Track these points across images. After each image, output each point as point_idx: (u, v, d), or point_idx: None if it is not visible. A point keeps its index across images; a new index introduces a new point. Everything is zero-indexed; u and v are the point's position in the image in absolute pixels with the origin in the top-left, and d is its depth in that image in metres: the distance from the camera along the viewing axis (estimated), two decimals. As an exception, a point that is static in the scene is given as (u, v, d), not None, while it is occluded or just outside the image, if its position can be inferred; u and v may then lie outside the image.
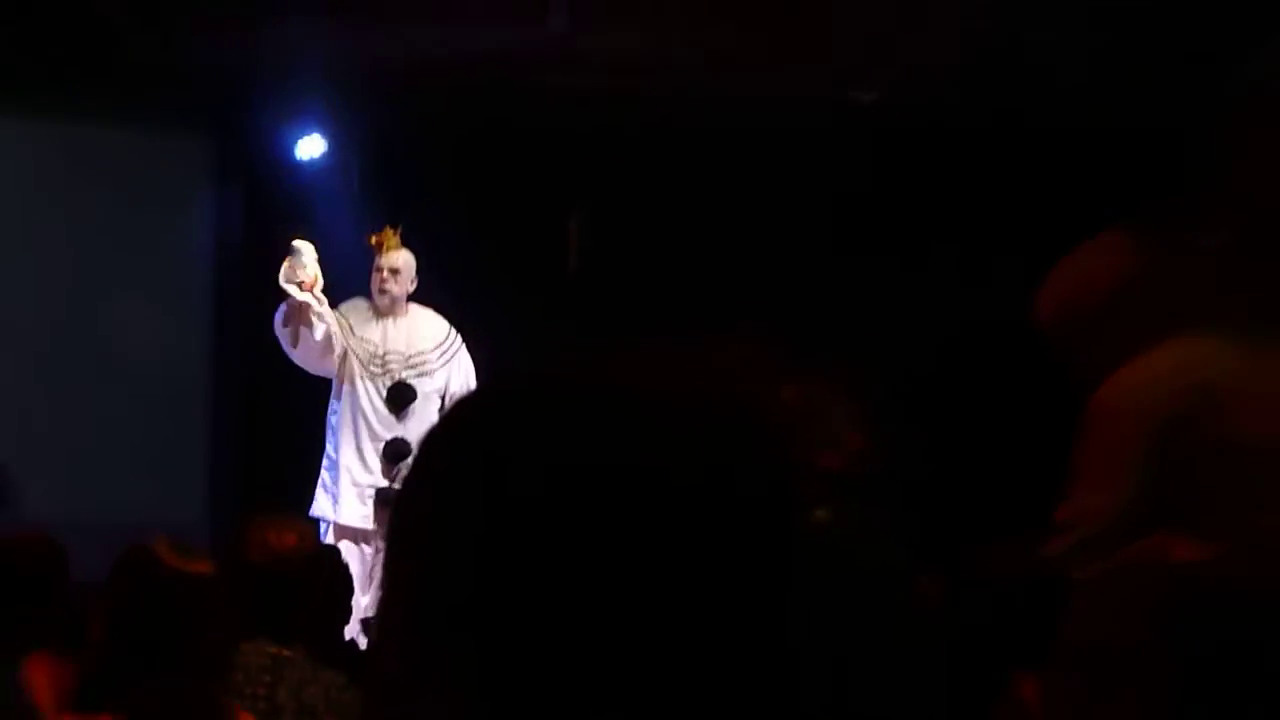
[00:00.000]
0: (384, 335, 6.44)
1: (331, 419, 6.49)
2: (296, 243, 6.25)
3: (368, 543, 6.28)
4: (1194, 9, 5.37)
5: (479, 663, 0.86)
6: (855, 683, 2.35)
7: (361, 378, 6.40)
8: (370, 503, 6.28)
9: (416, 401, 6.37)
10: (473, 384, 6.39)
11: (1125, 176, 5.89)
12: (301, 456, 6.55)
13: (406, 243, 6.47)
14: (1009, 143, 6.67)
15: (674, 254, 7.01)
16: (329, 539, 6.09)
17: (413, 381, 6.41)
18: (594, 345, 0.92)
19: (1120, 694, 1.88)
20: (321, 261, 6.28)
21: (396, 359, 6.41)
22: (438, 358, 6.48)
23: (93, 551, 3.48)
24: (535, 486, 0.85)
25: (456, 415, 0.96)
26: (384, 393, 6.40)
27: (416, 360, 6.44)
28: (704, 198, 7.00)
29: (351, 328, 6.43)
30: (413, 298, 6.53)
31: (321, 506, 6.38)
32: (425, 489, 0.92)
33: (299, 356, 6.40)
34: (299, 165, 7.32)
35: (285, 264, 6.21)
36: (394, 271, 6.42)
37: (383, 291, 6.43)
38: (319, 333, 6.29)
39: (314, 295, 6.24)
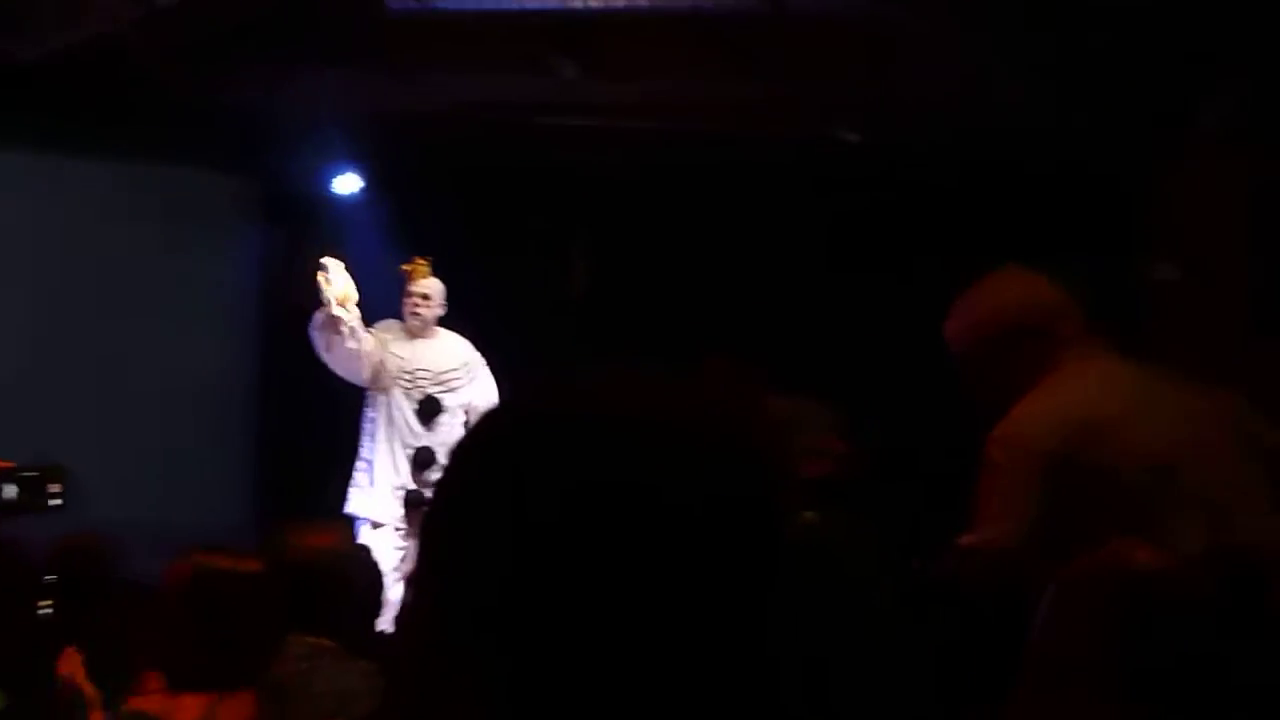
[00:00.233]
0: (414, 354, 6.60)
1: (367, 424, 6.63)
2: (325, 260, 6.38)
3: (397, 538, 6.43)
4: (1144, 59, 5.45)
5: (502, 664, 0.88)
6: (840, 686, 2.30)
7: (395, 389, 6.56)
8: (400, 502, 6.46)
9: (444, 414, 6.58)
10: (493, 399, 6.38)
11: (1081, 214, 6.09)
12: (338, 468, 6.67)
13: (435, 271, 6.65)
14: (983, 180, 6.65)
15: (671, 281, 7.13)
16: (362, 534, 6.28)
17: (440, 396, 6.59)
18: (597, 366, 0.96)
19: (1080, 702, 1.88)
20: (355, 285, 6.41)
21: (426, 376, 6.57)
22: (463, 376, 6.65)
23: (149, 551, 3.74)
24: (551, 500, 0.88)
25: (483, 430, 0.98)
26: (415, 405, 6.55)
27: (445, 377, 6.61)
28: (700, 230, 7.10)
29: (386, 344, 6.59)
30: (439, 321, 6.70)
31: (355, 504, 6.55)
32: (455, 500, 0.95)
33: (330, 360, 6.49)
34: (336, 200, 7.57)
35: (319, 277, 6.34)
36: (425, 297, 6.60)
37: (414, 314, 6.60)
38: (348, 342, 6.39)
39: (346, 309, 6.35)
